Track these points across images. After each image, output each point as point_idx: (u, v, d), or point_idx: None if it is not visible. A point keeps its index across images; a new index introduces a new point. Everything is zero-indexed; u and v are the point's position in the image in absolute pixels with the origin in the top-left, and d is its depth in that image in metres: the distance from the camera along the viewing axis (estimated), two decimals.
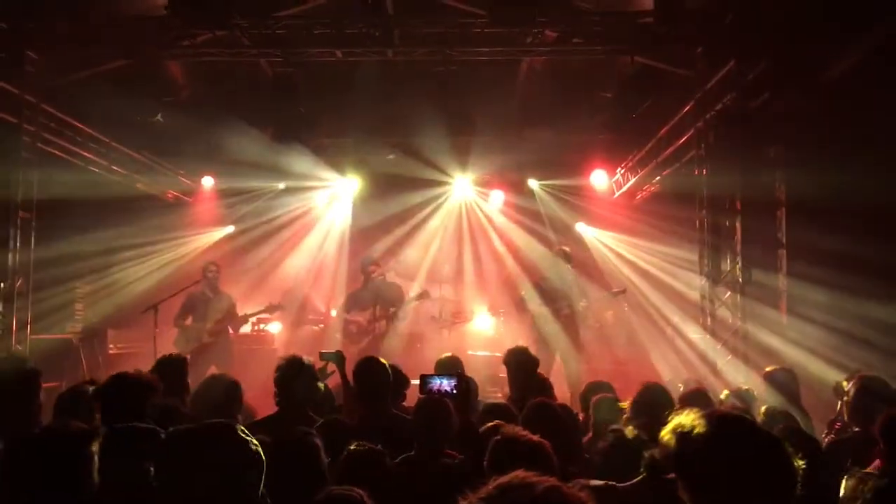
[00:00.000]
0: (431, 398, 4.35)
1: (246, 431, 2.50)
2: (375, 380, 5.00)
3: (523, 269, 11.73)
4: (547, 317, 9.43)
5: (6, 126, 8.50)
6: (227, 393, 5.03)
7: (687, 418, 2.23)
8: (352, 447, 3.59)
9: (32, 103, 8.78)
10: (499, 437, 3.23)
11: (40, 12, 8.43)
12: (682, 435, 2.20)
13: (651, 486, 3.16)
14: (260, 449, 2.46)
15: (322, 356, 5.87)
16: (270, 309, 10.26)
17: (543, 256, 11.27)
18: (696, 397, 5.00)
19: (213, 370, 8.49)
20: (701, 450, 2.14)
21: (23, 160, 8.71)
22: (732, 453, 2.10)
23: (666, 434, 2.25)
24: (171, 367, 5.31)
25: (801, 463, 2.07)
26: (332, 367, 5.71)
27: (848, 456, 3.88)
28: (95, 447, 2.74)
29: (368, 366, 5.10)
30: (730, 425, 2.19)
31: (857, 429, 4.49)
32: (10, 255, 8.59)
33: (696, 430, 2.17)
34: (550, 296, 9.55)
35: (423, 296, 10.83)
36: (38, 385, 4.45)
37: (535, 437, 3.20)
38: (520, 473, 1.52)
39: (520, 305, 9.84)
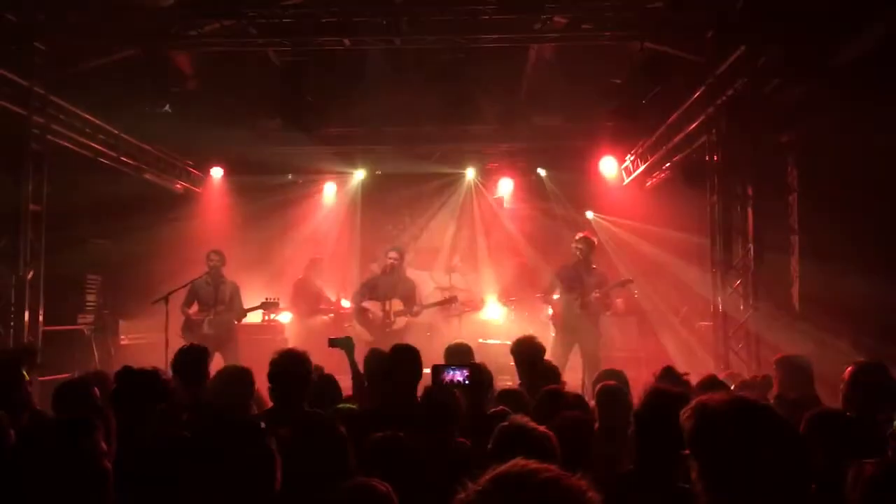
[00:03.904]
0: (438, 387, 4.35)
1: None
2: (409, 369, 4.99)
3: (535, 256, 11.72)
4: (561, 306, 9.42)
5: (15, 117, 8.51)
6: (240, 383, 5.04)
7: (710, 398, 2.21)
8: (374, 435, 3.59)
9: (41, 94, 8.78)
10: (506, 423, 3.22)
11: (48, 3, 8.44)
12: (703, 413, 2.18)
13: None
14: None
15: (331, 342, 5.87)
16: (265, 306, 10.22)
17: (554, 246, 11.25)
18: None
19: (219, 361, 8.51)
20: (719, 428, 2.12)
21: (32, 152, 8.72)
22: (750, 436, 2.08)
23: (686, 411, 2.24)
24: (192, 357, 5.30)
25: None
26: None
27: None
28: (99, 436, 2.75)
29: (403, 355, 5.09)
30: (752, 410, 2.18)
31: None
32: (21, 247, 8.62)
33: (717, 410, 2.16)
34: (570, 286, 9.51)
35: (450, 301, 10.82)
36: (19, 373, 4.41)
37: (541, 428, 3.19)
38: (519, 461, 1.47)
39: (547, 293, 9.84)
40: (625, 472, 3.21)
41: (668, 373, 4.87)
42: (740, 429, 2.10)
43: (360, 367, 5.62)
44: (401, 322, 10.11)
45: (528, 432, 3.14)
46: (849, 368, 4.51)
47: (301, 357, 4.67)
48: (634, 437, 3.12)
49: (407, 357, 5.03)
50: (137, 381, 4.19)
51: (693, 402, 2.26)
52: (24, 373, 4.40)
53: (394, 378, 4.94)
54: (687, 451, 2.23)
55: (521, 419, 3.28)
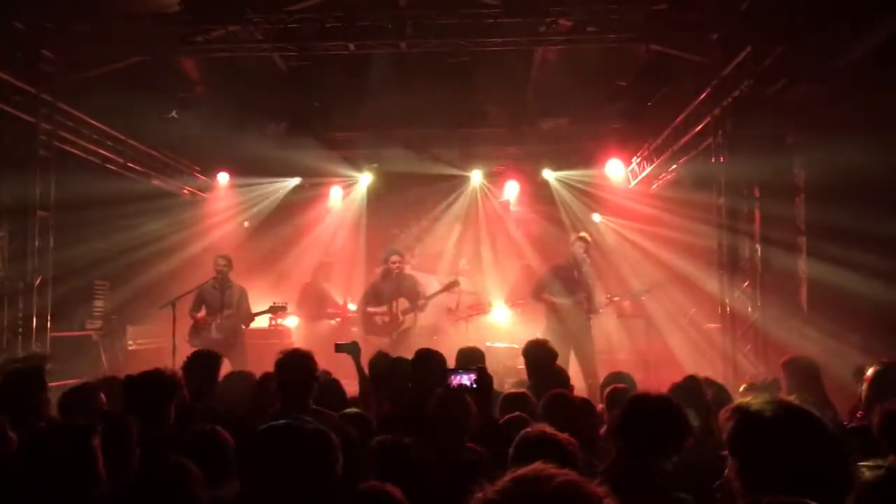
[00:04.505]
0: (448, 390, 4.35)
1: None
2: (434, 371, 5.00)
3: (541, 259, 11.70)
4: (564, 307, 9.32)
5: (23, 125, 8.55)
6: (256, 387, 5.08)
7: (752, 400, 2.24)
8: (379, 438, 3.60)
9: (49, 102, 8.82)
10: (529, 430, 3.23)
11: (55, 11, 8.48)
12: (745, 414, 2.20)
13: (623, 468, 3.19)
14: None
15: (337, 348, 5.88)
16: (273, 310, 10.24)
17: (560, 248, 11.23)
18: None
19: (226, 365, 8.51)
20: (761, 431, 2.15)
21: (40, 159, 8.76)
22: (793, 440, 2.10)
23: (726, 412, 2.26)
24: (203, 363, 5.31)
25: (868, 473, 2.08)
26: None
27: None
28: (97, 441, 2.76)
29: (427, 357, 5.11)
30: (792, 412, 2.20)
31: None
32: (28, 253, 8.65)
33: (760, 412, 2.17)
34: (568, 287, 9.42)
35: (452, 285, 10.80)
36: (42, 381, 4.46)
37: (564, 436, 3.20)
38: (538, 465, 1.48)
39: (536, 294, 9.73)
40: (604, 470, 3.27)
41: (691, 382, 4.84)
42: (781, 430, 2.12)
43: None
44: (409, 320, 10.10)
45: (549, 439, 3.15)
46: (872, 368, 4.51)
47: (306, 356, 4.70)
48: (617, 438, 3.23)
49: (432, 361, 5.05)
50: (143, 385, 4.21)
51: (733, 404, 2.29)
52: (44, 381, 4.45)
53: (416, 381, 4.96)
54: (725, 452, 2.25)
55: (543, 426, 3.30)
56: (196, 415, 4.38)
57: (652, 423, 3.23)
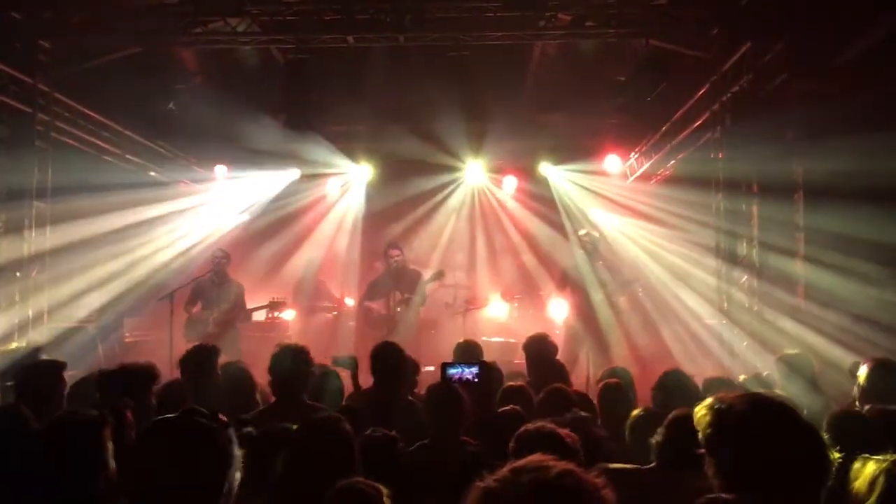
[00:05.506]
0: (442, 384, 4.35)
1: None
2: (389, 365, 5.00)
3: (537, 254, 11.72)
4: (573, 305, 9.47)
5: (20, 115, 8.53)
6: (242, 382, 5.08)
7: (727, 396, 2.21)
8: (366, 433, 3.60)
9: (46, 92, 8.81)
10: (530, 426, 3.24)
11: (53, 2, 8.46)
12: (720, 411, 2.17)
13: (666, 470, 3.19)
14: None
15: (335, 362, 5.86)
16: (273, 306, 10.20)
17: (560, 243, 11.25)
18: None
19: (221, 360, 8.48)
20: (737, 427, 2.12)
21: (37, 149, 8.74)
22: (769, 434, 2.07)
23: (701, 409, 2.23)
24: (201, 357, 5.32)
25: (836, 456, 2.06)
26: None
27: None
28: (108, 433, 2.76)
29: (384, 351, 5.10)
30: (769, 406, 2.17)
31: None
32: (25, 245, 8.64)
33: (736, 408, 2.15)
34: (573, 285, 9.55)
35: (438, 276, 10.78)
36: (62, 376, 4.50)
37: (566, 432, 3.20)
38: (537, 456, 1.50)
39: (561, 283, 9.87)
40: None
41: (674, 375, 4.85)
42: (757, 426, 2.10)
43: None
44: (400, 314, 10.11)
45: (549, 434, 3.15)
46: (867, 364, 4.53)
47: (300, 351, 4.73)
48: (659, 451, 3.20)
49: (389, 355, 5.07)
50: (117, 378, 4.21)
51: (708, 400, 2.26)
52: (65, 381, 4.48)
53: (377, 376, 5.00)
54: (702, 450, 2.23)
55: (545, 423, 3.30)
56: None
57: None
